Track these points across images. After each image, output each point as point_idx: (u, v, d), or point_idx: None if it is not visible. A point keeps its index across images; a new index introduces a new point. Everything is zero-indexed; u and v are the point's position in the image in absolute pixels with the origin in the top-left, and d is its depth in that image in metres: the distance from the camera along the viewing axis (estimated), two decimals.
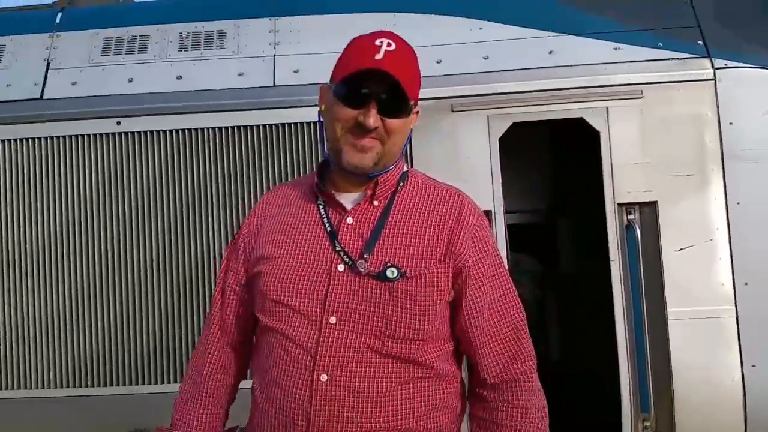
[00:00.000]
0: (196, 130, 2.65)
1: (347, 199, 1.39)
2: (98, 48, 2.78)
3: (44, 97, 2.72)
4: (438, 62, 2.70)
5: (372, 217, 1.37)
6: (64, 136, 2.68)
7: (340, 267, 1.32)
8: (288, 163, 2.63)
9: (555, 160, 4.45)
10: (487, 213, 2.60)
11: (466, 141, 2.70)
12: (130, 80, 2.72)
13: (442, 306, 1.36)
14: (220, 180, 2.64)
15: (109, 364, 2.62)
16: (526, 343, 1.41)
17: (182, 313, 2.64)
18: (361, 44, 1.35)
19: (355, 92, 1.30)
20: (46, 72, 2.75)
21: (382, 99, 1.29)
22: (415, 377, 1.32)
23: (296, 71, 2.68)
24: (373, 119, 1.29)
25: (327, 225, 1.38)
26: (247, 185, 2.65)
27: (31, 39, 2.81)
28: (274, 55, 2.72)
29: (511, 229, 2.95)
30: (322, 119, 1.43)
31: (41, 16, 2.91)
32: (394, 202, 1.40)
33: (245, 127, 2.65)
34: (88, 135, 2.67)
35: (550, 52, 2.72)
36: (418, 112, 1.41)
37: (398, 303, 1.29)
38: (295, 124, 2.63)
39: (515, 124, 2.71)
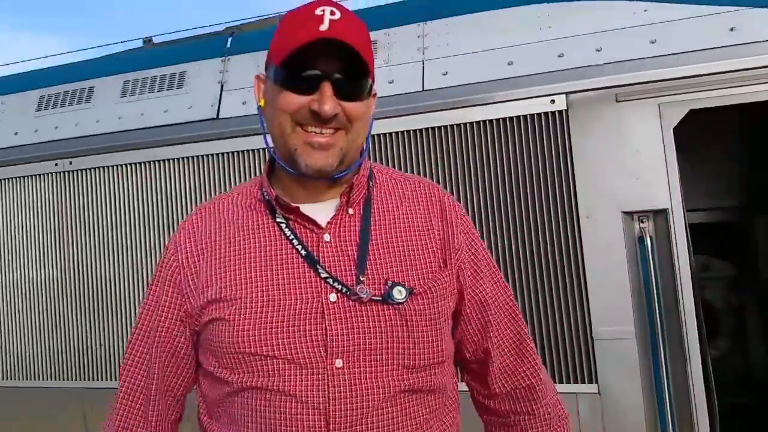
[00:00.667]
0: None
1: (316, 212, 1.12)
2: (262, 68, 2.97)
3: (219, 116, 2.97)
4: (598, 50, 2.49)
5: (351, 229, 1.13)
6: (238, 151, 2.90)
7: (332, 297, 1.05)
8: (440, 166, 2.60)
9: (747, 150, 3.91)
10: (663, 211, 2.34)
11: (634, 133, 2.45)
12: None
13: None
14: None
15: None
16: (526, 335, 1.26)
17: None
18: (299, 16, 1.07)
19: (302, 73, 1.04)
20: (221, 93, 3.01)
21: (336, 78, 1.04)
22: (439, 406, 1.13)
23: (445, 74, 2.64)
24: (330, 104, 1.03)
25: (299, 247, 1.10)
26: None
27: (206, 64, 3.09)
28: (423, 60, 2.70)
29: (694, 229, 2.63)
30: (262, 117, 1.17)
31: (214, 42, 3.18)
32: (371, 206, 1.17)
33: (396, 133, 2.66)
34: (260, 149, 2.87)
35: (732, 29, 2.38)
36: (375, 94, 1.17)
37: (412, 326, 1.07)
38: (446, 126, 2.59)
39: (692, 112, 2.41)
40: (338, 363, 1.03)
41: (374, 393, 1.03)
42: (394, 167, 2.63)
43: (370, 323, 1.05)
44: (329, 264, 1.08)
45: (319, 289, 1.06)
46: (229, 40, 3.12)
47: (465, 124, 2.56)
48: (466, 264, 1.19)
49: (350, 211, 1.14)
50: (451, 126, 2.57)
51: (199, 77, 3.07)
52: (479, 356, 1.22)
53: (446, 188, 2.56)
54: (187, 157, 2.97)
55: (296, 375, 1.03)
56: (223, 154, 2.92)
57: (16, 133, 3.36)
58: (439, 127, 2.59)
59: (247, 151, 2.89)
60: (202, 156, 2.95)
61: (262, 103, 1.16)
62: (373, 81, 1.12)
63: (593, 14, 2.55)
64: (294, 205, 1.12)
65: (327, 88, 1.04)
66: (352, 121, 1.08)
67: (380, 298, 1.06)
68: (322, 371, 1.03)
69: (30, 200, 3.22)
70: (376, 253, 1.11)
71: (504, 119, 2.51)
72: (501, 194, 2.50)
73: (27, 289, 3.22)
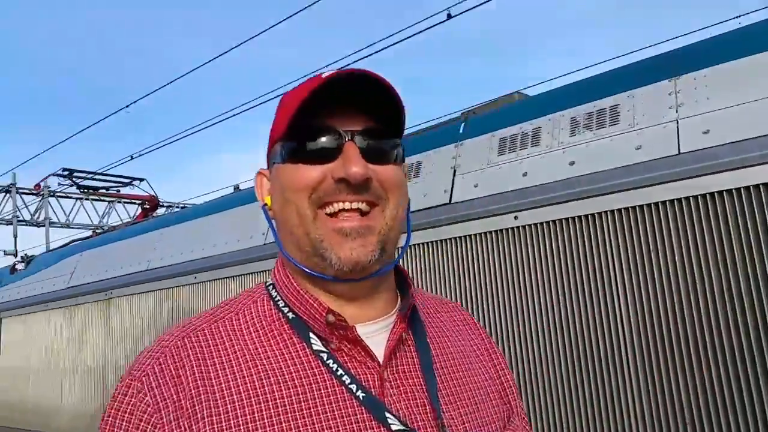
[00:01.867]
0: (593, 215, 2.41)
1: (367, 335, 0.82)
2: (494, 149, 2.87)
3: (452, 201, 2.92)
4: None
5: (408, 359, 0.85)
6: (469, 235, 2.79)
7: None
8: (705, 241, 2.12)
9: None
10: None
11: None
12: (525, 174, 2.70)
13: None
14: (625, 265, 2.31)
15: None
16: None
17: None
18: (300, 85, 0.84)
19: (316, 137, 0.80)
20: (453, 178, 2.97)
21: (362, 137, 0.80)
22: None
23: (706, 132, 2.21)
24: (360, 164, 0.78)
25: (353, 387, 0.78)
26: (656, 269, 2.23)
27: (440, 152, 3.10)
28: (677, 119, 2.31)
29: None
30: (270, 217, 0.89)
31: (449, 130, 3.20)
32: (423, 327, 0.89)
33: (648, 205, 2.28)
34: (490, 232, 2.73)
35: None
36: (404, 162, 0.88)
37: None
38: (710, 194, 2.13)
39: None
40: None
41: None
42: (655, 242, 2.24)
43: None
44: (396, 410, 0.79)
45: None
46: (462, 125, 3.10)
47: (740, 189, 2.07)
48: (514, 402, 0.98)
49: (403, 336, 0.86)
50: (721, 192, 2.11)
51: (434, 165, 3.09)
52: None
53: (723, 264, 2.07)
54: (422, 243, 2.94)
55: None
56: (456, 239, 2.83)
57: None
58: (704, 195, 2.14)
59: (478, 234, 2.75)
60: (436, 241, 2.90)
61: (267, 200, 0.89)
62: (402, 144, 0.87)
63: None
64: (349, 327, 0.81)
65: (351, 148, 0.79)
66: (388, 191, 0.82)
67: None
68: None
69: None
70: (444, 394, 0.85)
71: None
72: None
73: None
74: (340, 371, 0.79)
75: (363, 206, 0.80)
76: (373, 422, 0.77)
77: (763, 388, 1.96)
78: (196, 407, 0.76)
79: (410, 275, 1.03)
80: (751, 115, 2.13)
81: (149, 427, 0.76)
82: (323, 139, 0.80)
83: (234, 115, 9.24)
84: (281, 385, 0.78)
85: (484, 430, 0.85)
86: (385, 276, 0.87)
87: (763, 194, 2.02)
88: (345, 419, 0.77)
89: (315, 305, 0.82)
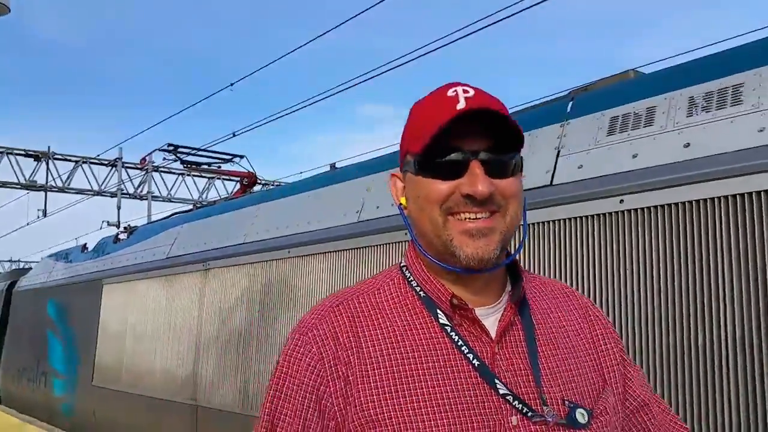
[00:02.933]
0: (705, 200, 2.28)
1: (482, 317, 1.00)
2: (603, 129, 2.78)
3: (554, 182, 2.85)
4: None
5: (517, 337, 1.00)
6: (572, 218, 2.72)
7: (513, 419, 0.93)
8: None
9: None
10: None
11: None
12: (635, 156, 2.59)
13: None
14: (734, 255, 2.18)
15: None
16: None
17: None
18: (432, 101, 1.01)
19: (446, 157, 0.95)
20: (556, 159, 2.90)
21: (485, 156, 0.95)
22: None
23: None
24: (484, 183, 0.93)
25: (470, 356, 0.96)
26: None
27: (544, 132, 3.03)
28: None
29: None
30: (406, 215, 1.06)
31: (554, 109, 3.12)
32: (529, 310, 1.04)
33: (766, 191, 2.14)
34: (592, 215, 2.65)
35: None
36: (522, 170, 1.02)
37: None
38: None
39: None
40: None
41: None
42: (761, 235, 2.10)
43: None
44: (504, 379, 0.95)
45: (499, 408, 0.94)
46: (570, 104, 3.02)
47: None
48: (619, 375, 1.09)
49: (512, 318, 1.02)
50: None
51: (536, 145, 3.02)
52: None
53: None
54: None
55: None
56: (558, 221, 2.76)
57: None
58: None
59: (581, 217, 2.68)
60: (536, 224, 2.84)
61: (403, 201, 1.07)
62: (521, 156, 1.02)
63: None
64: (468, 307, 0.99)
65: (477, 167, 0.95)
66: (508, 200, 0.98)
67: (564, 421, 0.95)
68: None
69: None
70: (545, 368, 0.99)
71: None
72: None
73: None
74: (461, 342, 0.97)
75: (485, 215, 0.96)
76: (485, 385, 0.94)
77: None
78: (350, 357, 0.97)
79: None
80: None
81: (315, 370, 0.97)
82: (453, 157, 0.96)
83: (326, 97, 9.40)
84: (412, 348, 0.97)
85: (578, 397, 0.98)
86: (502, 267, 1.04)
87: None
88: (462, 381, 0.94)
89: (441, 290, 1.01)
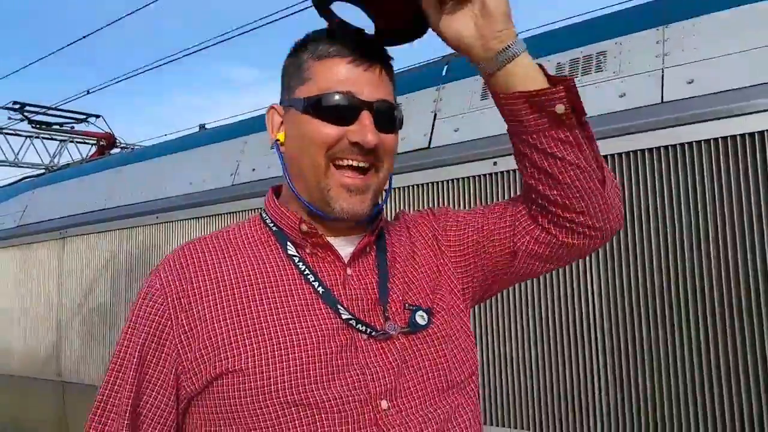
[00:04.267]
0: None
1: (337, 245, 1.05)
2: (477, 93, 2.84)
3: (431, 145, 2.89)
4: None
5: (370, 263, 1.06)
6: (449, 180, 2.78)
7: (358, 342, 0.98)
8: (688, 189, 2.17)
9: None
10: None
11: None
12: None
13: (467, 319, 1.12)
14: None
15: None
16: None
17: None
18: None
19: (340, 102, 0.97)
20: (433, 123, 2.93)
21: (377, 106, 0.98)
22: (475, 405, 1.06)
23: (690, 82, 2.23)
24: (373, 134, 0.97)
25: (316, 284, 1.00)
26: (630, 216, 2.28)
27: (422, 95, 3.05)
28: (662, 68, 2.33)
29: None
30: (281, 153, 1.06)
31: (430, 72, 3.14)
32: (384, 236, 1.11)
33: (628, 153, 2.30)
34: (468, 177, 2.72)
35: None
36: (402, 126, 1.08)
37: (442, 347, 1.03)
38: (689, 144, 2.17)
39: None
40: (383, 404, 0.95)
41: (427, 425, 0.96)
42: (630, 190, 2.27)
43: (404, 355, 0.99)
44: (352, 300, 1.01)
45: (345, 331, 0.98)
46: (445, 67, 3.05)
47: (717, 140, 2.12)
48: (455, 238, 1.14)
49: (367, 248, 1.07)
50: (699, 143, 2.15)
51: (413, 107, 3.04)
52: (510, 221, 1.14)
53: (692, 212, 2.12)
54: (400, 188, 2.92)
55: (338, 424, 0.91)
56: (435, 183, 2.82)
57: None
58: (682, 145, 2.18)
59: (457, 179, 2.75)
60: (413, 186, 2.88)
61: (281, 137, 1.06)
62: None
63: None
64: (322, 236, 1.03)
65: (367, 117, 0.97)
66: (385, 156, 1.02)
67: (407, 328, 1.01)
68: (370, 416, 0.93)
69: None
70: (396, 284, 1.06)
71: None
72: (760, 220, 2.00)
73: None
74: (307, 271, 1.00)
75: (366, 165, 0.99)
76: (329, 311, 0.97)
77: None
78: (194, 290, 0.98)
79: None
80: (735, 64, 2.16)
81: (158, 308, 0.97)
82: (345, 104, 0.97)
83: (186, 54, 8.87)
84: (259, 280, 0.99)
85: (420, 300, 1.05)
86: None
87: (730, 145, 2.07)
88: (306, 309, 0.97)
89: (291, 217, 1.04)
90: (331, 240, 1.04)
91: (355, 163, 0.98)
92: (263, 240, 1.05)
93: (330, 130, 0.97)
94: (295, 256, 1.02)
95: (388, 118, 1.01)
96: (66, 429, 4.88)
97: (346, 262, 1.03)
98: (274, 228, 1.05)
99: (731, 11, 2.26)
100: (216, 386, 0.93)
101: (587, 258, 2.35)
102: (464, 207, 2.72)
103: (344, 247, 1.05)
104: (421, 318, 1.02)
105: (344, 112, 0.97)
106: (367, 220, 1.07)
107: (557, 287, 2.42)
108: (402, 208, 2.91)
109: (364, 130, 0.96)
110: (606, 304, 2.29)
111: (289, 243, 1.03)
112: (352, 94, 0.97)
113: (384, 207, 1.12)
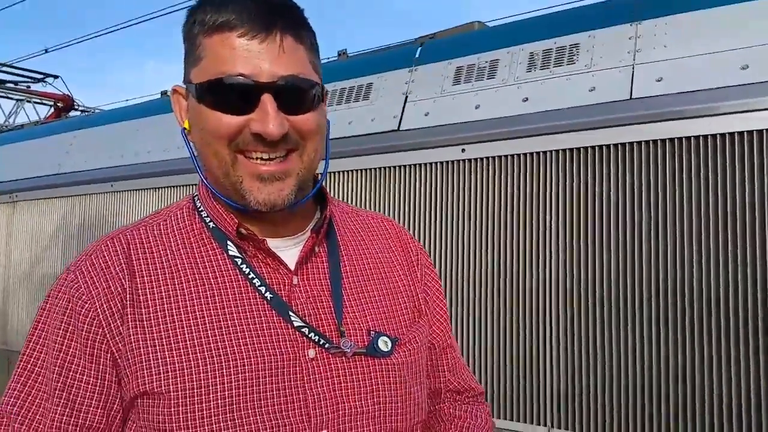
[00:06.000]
0: (539, 153, 2.44)
1: (278, 248, 0.91)
2: (449, 78, 2.82)
3: (401, 128, 2.87)
4: None
5: (320, 270, 0.93)
6: (416, 164, 2.77)
7: (311, 352, 0.86)
8: (650, 185, 2.21)
9: None
10: None
11: None
12: (477, 107, 2.68)
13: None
14: (561, 204, 2.37)
15: None
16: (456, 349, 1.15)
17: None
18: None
19: (235, 87, 0.80)
20: (404, 105, 2.90)
21: (279, 87, 0.80)
22: None
23: (659, 80, 2.26)
24: (276, 122, 0.80)
25: (263, 289, 0.87)
26: (590, 211, 2.31)
27: (393, 75, 3.01)
28: (633, 65, 2.35)
29: None
30: (188, 141, 0.90)
31: (403, 53, 3.11)
32: (337, 240, 0.98)
33: (594, 147, 2.33)
34: (436, 163, 2.71)
35: None
36: (327, 94, 0.93)
37: (400, 381, 0.91)
38: (654, 141, 2.20)
39: None
40: None
41: None
42: (594, 185, 2.30)
43: (357, 382, 0.88)
44: (302, 311, 0.88)
45: (294, 342, 0.86)
46: (419, 49, 3.02)
47: (681, 139, 2.15)
48: (430, 308, 1.07)
49: (315, 249, 0.94)
50: (663, 141, 2.18)
51: (385, 89, 3.00)
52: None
53: (655, 211, 2.17)
54: (367, 169, 2.90)
55: None
56: (402, 167, 2.80)
57: None
58: (647, 142, 2.21)
59: (425, 164, 2.74)
60: (382, 168, 2.85)
61: (186, 125, 0.89)
62: (321, 81, 0.88)
63: None
64: (261, 240, 0.88)
65: (269, 101, 0.80)
66: (306, 138, 0.85)
67: (365, 350, 0.89)
68: None
69: None
70: (350, 299, 0.93)
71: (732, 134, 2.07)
72: (725, 221, 2.05)
73: None
74: (252, 275, 0.87)
75: (279, 156, 0.84)
76: (280, 319, 0.86)
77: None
78: (125, 293, 0.85)
79: (354, 199, 1.09)
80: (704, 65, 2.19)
81: (82, 310, 0.83)
82: (240, 89, 0.80)
83: (150, 18, 8.57)
84: (198, 283, 0.86)
85: (384, 326, 0.93)
86: (303, 205, 0.93)
87: (703, 145, 2.11)
88: (253, 316, 0.85)
89: (228, 221, 0.89)
90: (274, 242, 0.90)
91: (265, 156, 0.83)
92: (200, 236, 0.92)
93: (229, 121, 0.81)
94: (237, 257, 0.89)
95: (298, 98, 0.83)
96: None
97: (292, 269, 0.90)
98: (211, 225, 0.92)
99: (704, 12, 2.29)
100: (140, 406, 0.82)
101: (548, 248, 2.38)
102: (430, 193, 2.71)
103: (288, 249, 0.92)
104: (384, 344, 0.91)
105: (240, 99, 0.80)
106: (318, 220, 0.95)
107: (517, 282, 2.45)
108: (368, 190, 2.89)
109: (266, 119, 0.80)
110: (563, 299, 2.33)
111: (229, 243, 0.90)
112: (245, 75, 0.79)
113: (330, 197, 0.99)
